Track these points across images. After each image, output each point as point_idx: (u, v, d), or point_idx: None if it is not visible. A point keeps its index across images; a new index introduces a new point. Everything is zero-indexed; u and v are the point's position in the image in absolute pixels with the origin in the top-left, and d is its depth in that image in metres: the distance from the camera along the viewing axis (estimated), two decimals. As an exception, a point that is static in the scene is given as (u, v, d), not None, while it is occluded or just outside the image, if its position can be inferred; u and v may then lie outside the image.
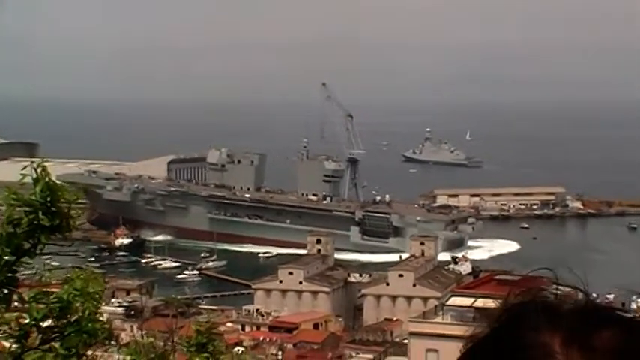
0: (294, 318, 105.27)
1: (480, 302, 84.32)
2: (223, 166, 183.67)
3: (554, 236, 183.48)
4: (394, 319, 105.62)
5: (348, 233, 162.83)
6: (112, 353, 15.60)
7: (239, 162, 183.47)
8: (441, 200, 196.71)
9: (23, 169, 6.03)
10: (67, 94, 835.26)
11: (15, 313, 6.14)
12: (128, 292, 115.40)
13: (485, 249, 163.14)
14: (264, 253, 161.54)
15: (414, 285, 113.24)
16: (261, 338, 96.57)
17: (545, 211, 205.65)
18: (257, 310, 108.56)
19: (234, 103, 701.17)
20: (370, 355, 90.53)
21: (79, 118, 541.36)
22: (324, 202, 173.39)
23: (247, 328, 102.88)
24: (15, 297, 6.09)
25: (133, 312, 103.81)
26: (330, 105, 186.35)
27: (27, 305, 6.16)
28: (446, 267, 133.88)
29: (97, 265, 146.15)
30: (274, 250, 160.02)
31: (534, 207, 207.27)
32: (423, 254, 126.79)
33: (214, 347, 9.01)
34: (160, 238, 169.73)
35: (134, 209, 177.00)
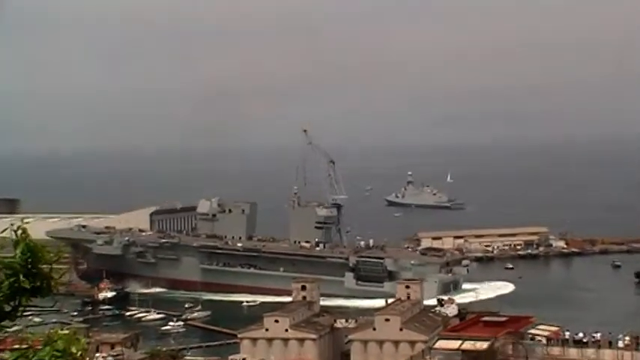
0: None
1: (467, 345, 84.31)
2: (214, 215, 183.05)
3: (540, 276, 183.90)
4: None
5: (343, 279, 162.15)
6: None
7: (230, 211, 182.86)
8: (425, 243, 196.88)
9: (3, 231, 6.02)
10: (41, 147, 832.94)
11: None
12: (112, 345, 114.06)
13: (480, 290, 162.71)
14: (247, 302, 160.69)
15: (401, 329, 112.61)
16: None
17: (529, 251, 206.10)
18: (244, 359, 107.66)
19: (216, 149, 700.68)
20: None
21: (55, 170, 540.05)
22: (317, 248, 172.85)
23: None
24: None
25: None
26: (312, 151, 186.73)
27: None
28: (432, 310, 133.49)
29: (81, 319, 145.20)
30: (261, 299, 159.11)
31: (518, 247, 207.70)
32: (409, 298, 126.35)
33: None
34: (152, 290, 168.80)
35: (125, 262, 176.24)
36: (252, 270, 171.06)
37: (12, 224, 6.10)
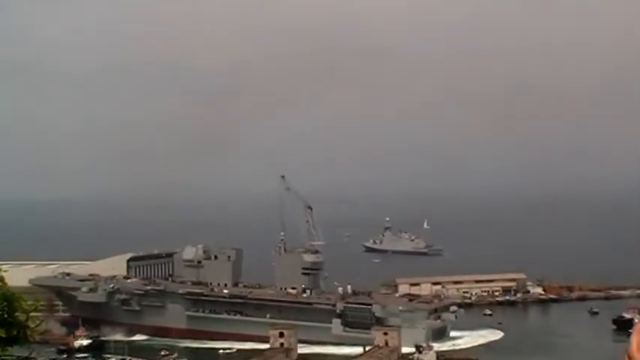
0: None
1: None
2: (199, 262, 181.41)
3: (519, 323, 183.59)
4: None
5: (330, 325, 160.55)
6: None
7: (215, 258, 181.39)
8: (403, 289, 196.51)
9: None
10: (15, 193, 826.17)
11: None
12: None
13: (470, 337, 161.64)
14: (224, 349, 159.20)
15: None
16: None
17: (507, 297, 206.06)
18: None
19: (192, 198, 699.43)
20: None
21: (31, 217, 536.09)
22: (304, 295, 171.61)
23: None
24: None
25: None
26: (290, 197, 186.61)
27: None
28: (410, 356, 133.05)
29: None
30: (240, 346, 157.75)
31: (496, 293, 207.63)
32: (387, 344, 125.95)
33: None
34: (132, 338, 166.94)
35: (110, 310, 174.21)
36: (238, 317, 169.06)
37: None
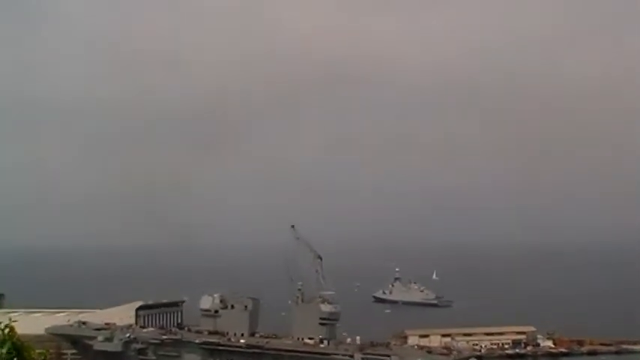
0: None
1: None
2: (217, 311, 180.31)
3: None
4: None
5: None
6: None
7: (232, 307, 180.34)
8: (413, 340, 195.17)
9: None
10: (22, 242, 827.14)
11: None
12: None
13: None
14: None
15: None
16: None
17: (517, 350, 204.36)
18: None
19: (204, 245, 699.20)
20: None
21: (40, 265, 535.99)
22: (322, 345, 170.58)
23: None
24: None
25: None
26: (300, 246, 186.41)
27: None
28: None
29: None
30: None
31: (506, 346, 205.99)
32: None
33: None
34: None
35: (126, 359, 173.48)
36: None
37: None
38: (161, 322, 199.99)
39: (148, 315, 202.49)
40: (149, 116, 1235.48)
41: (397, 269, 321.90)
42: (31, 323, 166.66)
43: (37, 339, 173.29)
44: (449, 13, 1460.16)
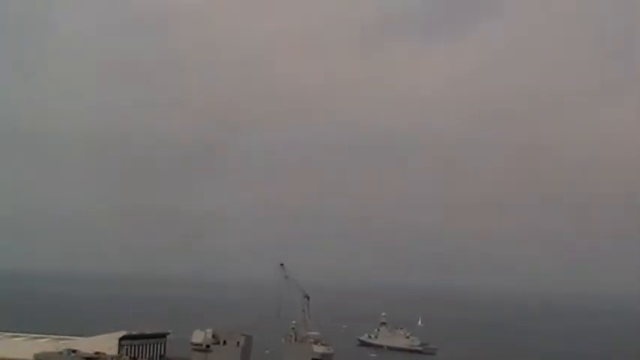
0: None
1: None
2: (208, 346, 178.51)
3: None
4: None
5: None
6: None
7: (224, 343, 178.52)
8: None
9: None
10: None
11: None
12: None
13: None
14: None
15: None
16: None
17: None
18: None
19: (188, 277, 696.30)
20: None
21: (17, 288, 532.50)
22: None
23: None
24: None
25: None
26: (288, 285, 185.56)
27: None
28: None
29: None
30: None
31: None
32: None
33: None
34: None
35: None
36: None
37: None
38: (144, 353, 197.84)
39: (132, 345, 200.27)
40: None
41: (383, 314, 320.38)
42: (15, 348, 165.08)
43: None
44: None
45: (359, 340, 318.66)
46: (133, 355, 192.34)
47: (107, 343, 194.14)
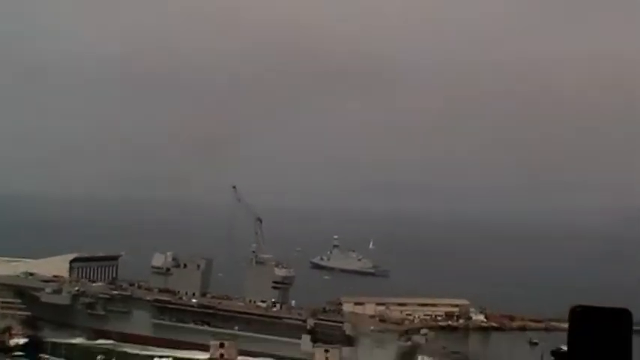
0: None
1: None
2: (168, 269, 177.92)
3: (460, 348, 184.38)
4: None
5: (299, 341, 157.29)
6: None
7: (185, 266, 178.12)
8: (347, 308, 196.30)
9: None
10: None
11: None
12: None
13: None
14: (160, 357, 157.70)
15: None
16: None
17: (450, 322, 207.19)
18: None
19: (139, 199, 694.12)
20: None
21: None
22: (274, 309, 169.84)
23: None
24: None
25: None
26: (240, 208, 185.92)
27: None
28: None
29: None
30: (174, 354, 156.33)
31: (439, 318, 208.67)
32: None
33: None
34: (99, 342, 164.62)
35: (74, 313, 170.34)
36: (205, 327, 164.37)
37: None
38: (96, 276, 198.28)
39: (83, 268, 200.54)
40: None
41: (336, 236, 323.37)
42: None
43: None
44: None
45: (311, 262, 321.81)
46: (83, 277, 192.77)
47: (58, 265, 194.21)
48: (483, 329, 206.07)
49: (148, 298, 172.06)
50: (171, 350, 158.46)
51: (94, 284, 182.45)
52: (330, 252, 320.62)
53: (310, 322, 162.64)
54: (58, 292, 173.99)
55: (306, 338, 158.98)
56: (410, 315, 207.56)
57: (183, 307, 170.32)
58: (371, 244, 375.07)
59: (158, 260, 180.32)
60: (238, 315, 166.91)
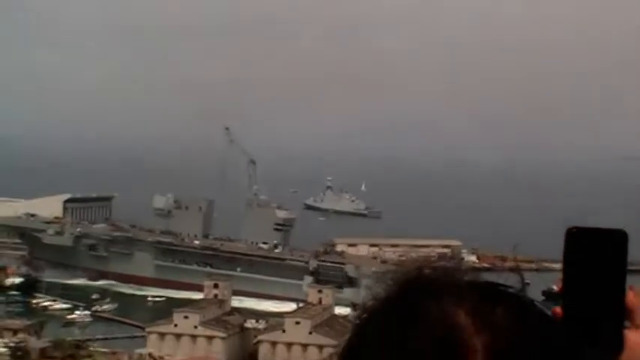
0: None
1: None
2: (170, 211, 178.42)
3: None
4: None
5: (301, 282, 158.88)
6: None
7: (186, 208, 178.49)
8: (341, 249, 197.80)
9: None
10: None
11: None
12: (15, 332, 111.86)
13: None
14: (152, 296, 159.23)
15: (311, 333, 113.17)
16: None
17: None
18: (149, 353, 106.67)
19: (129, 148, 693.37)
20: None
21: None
22: (276, 250, 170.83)
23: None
24: None
25: (19, 353, 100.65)
26: (233, 149, 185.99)
27: None
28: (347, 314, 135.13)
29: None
30: (168, 295, 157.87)
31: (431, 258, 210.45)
32: (320, 302, 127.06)
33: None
34: (101, 282, 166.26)
35: (76, 254, 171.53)
36: (208, 269, 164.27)
37: None
38: (88, 216, 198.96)
39: (76, 208, 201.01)
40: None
41: (329, 178, 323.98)
42: None
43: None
44: None
45: (305, 204, 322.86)
46: (77, 218, 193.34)
47: (51, 205, 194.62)
48: (475, 270, 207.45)
49: (150, 240, 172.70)
50: (166, 290, 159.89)
51: (95, 226, 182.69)
52: (323, 193, 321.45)
53: (312, 264, 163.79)
54: (60, 233, 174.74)
55: (308, 279, 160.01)
56: (402, 256, 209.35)
57: (185, 249, 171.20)
58: (363, 186, 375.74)
59: (159, 202, 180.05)
60: (240, 257, 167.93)
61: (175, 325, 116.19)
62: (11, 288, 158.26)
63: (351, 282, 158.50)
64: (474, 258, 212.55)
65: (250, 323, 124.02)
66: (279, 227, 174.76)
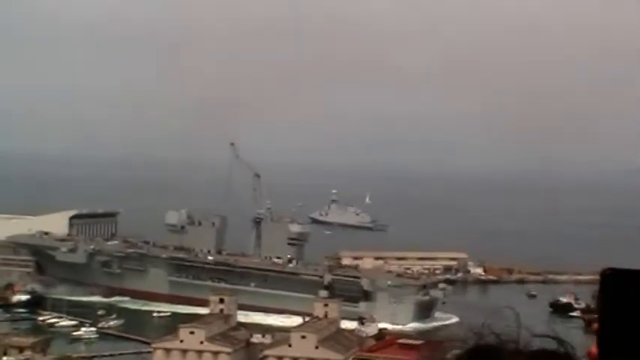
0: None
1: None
2: (183, 227, 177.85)
3: (459, 301, 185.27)
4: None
5: (316, 297, 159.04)
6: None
7: (200, 223, 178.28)
8: (346, 262, 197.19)
9: None
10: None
11: None
12: (21, 349, 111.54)
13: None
14: (158, 312, 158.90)
15: (317, 347, 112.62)
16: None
17: (448, 276, 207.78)
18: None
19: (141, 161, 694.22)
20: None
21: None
22: (290, 265, 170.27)
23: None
24: None
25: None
26: (238, 164, 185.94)
27: None
28: (354, 328, 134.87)
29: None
30: (172, 309, 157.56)
31: (437, 271, 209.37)
32: (326, 316, 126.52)
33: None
34: (115, 299, 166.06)
35: (90, 271, 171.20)
36: (222, 284, 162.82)
37: None
38: (95, 233, 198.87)
39: (82, 224, 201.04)
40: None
41: (334, 191, 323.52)
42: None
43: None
44: None
45: (310, 217, 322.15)
46: (83, 234, 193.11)
47: (57, 221, 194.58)
48: (482, 282, 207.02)
49: (164, 256, 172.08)
50: (181, 306, 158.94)
51: (108, 242, 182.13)
52: (328, 207, 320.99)
53: (327, 278, 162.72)
54: (73, 250, 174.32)
55: (323, 294, 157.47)
56: (408, 269, 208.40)
57: (199, 265, 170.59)
58: (367, 198, 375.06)
59: (172, 218, 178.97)
60: (255, 271, 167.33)
61: (181, 341, 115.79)
62: (18, 305, 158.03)
63: (367, 296, 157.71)
64: (480, 270, 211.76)
65: (256, 338, 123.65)
66: (293, 242, 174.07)
